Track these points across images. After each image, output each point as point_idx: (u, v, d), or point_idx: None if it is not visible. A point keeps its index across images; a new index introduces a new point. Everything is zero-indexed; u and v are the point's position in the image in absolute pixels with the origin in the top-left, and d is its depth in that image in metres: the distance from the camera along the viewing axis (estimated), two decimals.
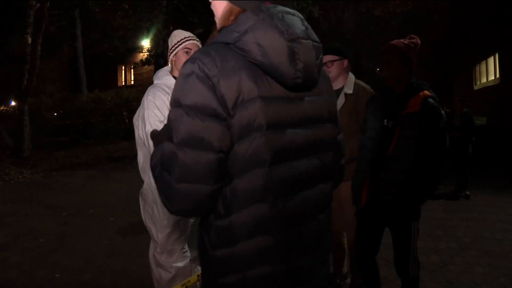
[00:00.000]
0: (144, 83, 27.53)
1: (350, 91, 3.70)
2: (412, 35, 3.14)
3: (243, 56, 1.38)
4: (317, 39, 1.53)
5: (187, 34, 3.31)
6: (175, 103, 1.39)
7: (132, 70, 32.59)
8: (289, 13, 1.48)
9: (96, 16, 19.31)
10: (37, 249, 5.87)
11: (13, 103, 22.80)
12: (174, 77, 3.28)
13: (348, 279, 4.29)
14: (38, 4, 14.76)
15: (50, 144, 18.48)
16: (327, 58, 3.74)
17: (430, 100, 2.99)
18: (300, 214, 1.49)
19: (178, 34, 3.33)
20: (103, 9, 18.74)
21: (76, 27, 21.09)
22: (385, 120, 3.10)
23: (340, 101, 3.68)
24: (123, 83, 34.88)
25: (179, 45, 3.26)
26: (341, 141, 1.79)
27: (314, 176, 1.55)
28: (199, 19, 17.85)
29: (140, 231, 6.24)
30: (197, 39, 3.30)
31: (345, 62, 3.78)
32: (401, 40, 3.13)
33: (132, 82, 33.97)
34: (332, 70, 3.73)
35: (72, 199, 8.96)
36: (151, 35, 19.77)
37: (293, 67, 1.40)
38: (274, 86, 1.41)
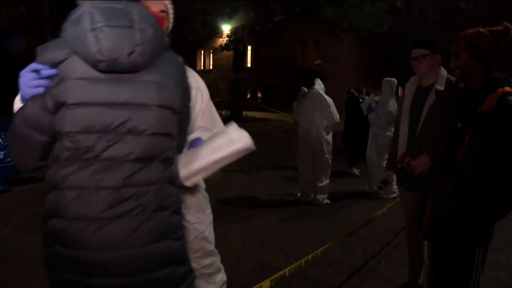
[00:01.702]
0: (223, 68, 27.75)
1: (441, 88, 3.43)
2: (506, 23, 2.55)
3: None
4: (146, 27, 1.58)
5: None
6: None
7: (211, 55, 32.98)
8: (112, 5, 1.59)
9: (176, 0, 19.51)
10: None
11: None
12: None
13: None
14: None
15: None
16: (417, 52, 3.47)
17: (510, 97, 2.43)
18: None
19: None
20: None
21: None
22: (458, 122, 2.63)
23: (430, 98, 3.42)
24: (202, 68, 35.41)
25: None
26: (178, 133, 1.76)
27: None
28: (280, 5, 17.68)
29: (214, 220, 6.16)
30: None
31: (437, 56, 3.49)
32: (479, 28, 2.60)
33: (211, 67, 34.39)
34: (423, 65, 3.46)
35: None
36: (230, 21, 19.81)
37: (95, 52, 1.51)
38: (89, 70, 1.55)
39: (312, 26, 22.52)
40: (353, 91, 10.07)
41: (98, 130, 1.57)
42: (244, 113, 22.47)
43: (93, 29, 1.52)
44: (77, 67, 1.55)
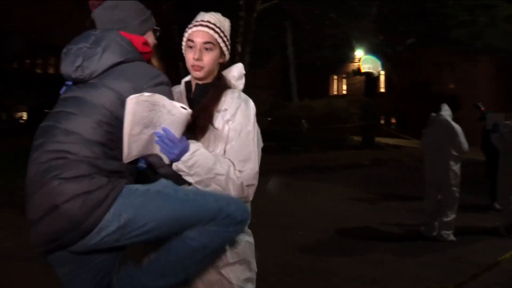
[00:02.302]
0: (356, 93, 27.40)
1: None
2: None
3: None
4: (95, 47, 1.91)
5: (200, 17, 2.22)
6: None
7: (344, 80, 32.77)
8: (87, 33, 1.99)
9: (305, 26, 19.75)
10: None
11: None
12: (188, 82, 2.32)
13: None
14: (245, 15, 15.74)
15: None
16: None
17: None
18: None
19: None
20: (312, 19, 19.05)
21: (286, 36, 21.80)
22: None
23: None
24: (335, 93, 35.26)
25: (184, 37, 2.24)
26: None
27: None
28: (409, 28, 17.07)
29: (327, 251, 5.98)
30: (208, 22, 2.17)
31: None
32: None
33: (344, 92, 34.11)
34: None
35: (266, 205, 9.06)
36: (360, 45, 19.52)
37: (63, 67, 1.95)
38: None
39: (445, 48, 21.37)
40: (480, 104, 9.10)
41: None
42: (376, 139, 21.90)
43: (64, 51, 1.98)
44: None
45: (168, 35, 16.68)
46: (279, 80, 30.77)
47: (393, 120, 32.99)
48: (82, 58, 1.89)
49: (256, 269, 2.32)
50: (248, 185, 2.06)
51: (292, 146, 19.67)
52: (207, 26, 2.14)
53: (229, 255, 2.14)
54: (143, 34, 2.07)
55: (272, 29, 21.68)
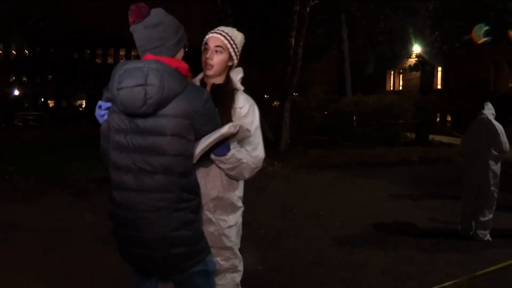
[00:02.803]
0: (412, 90, 26.92)
1: None
2: None
3: None
4: (154, 82, 2.13)
5: (218, 28, 2.75)
6: None
7: (401, 75, 32.25)
8: (134, 68, 2.18)
9: (360, 22, 19.61)
10: (251, 239, 5.78)
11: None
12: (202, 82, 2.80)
13: None
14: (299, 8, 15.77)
15: (310, 142, 19.32)
16: None
17: None
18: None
19: None
20: (366, 14, 18.88)
21: (342, 31, 21.70)
22: None
23: None
24: (392, 88, 34.76)
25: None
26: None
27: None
28: (466, 24, 16.62)
29: (361, 244, 6.11)
30: (222, 31, 2.69)
31: None
32: None
33: (401, 88, 33.58)
34: None
35: (308, 198, 9.25)
36: (416, 40, 19.17)
37: (118, 105, 2.23)
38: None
39: (505, 45, 20.63)
40: None
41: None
42: (431, 136, 21.47)
43: (117, 89, 2.19)
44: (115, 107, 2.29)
45: None
46: (335, 75, 30.72)
47: (449, 118, 32.20)
48: (143, 95, 2.16)
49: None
50: (256, 167, 2.61)
51: (343, 141, 19.68)
52: (220, 33, 2.66)
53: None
54: (177, 52, 2.35)
55: (328, 24, 21.64)
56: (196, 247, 2.34)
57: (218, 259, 2.71)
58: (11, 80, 53.89)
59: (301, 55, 16.30)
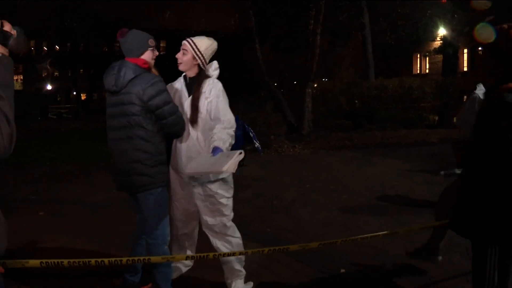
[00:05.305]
0: (438, 72, 27.01)
1: None
2: None
3: None
4: (121, 73, 3.49)
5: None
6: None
7: (427, 58, 32.27)
8: (113, 65, 3.60)
9: (380, 6, 19.90)
10: (264, 208, 7.07)
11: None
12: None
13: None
14: None
15: (333, 126, 19.99)
16: None
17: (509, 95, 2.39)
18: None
19: None
20: None
21: (363, 16, 21.99)
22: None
23: None
24: (418, 71, 34.82)
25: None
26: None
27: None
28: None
29: (363, 212, 6.74)
30: (190, 39, 3.83)
31: None
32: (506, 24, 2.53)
33: (427, 71, 33.61)
34: None
35: (322, 175, 9.92)
36: (439, 23, 19.41)
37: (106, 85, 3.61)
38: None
39: None
40: None
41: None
42: (455, 118, 21.56)
43: (104, 77, 3.60)
44: None
45: (246, 20, 17.79)
46: (361, 59, 31.01)
47: None
48: (114, 80, 3.50)
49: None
50: (232, 128, 3.69)
51: (367, 124, 20.15)
52: (187, 41, 3.80)
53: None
54: (142, 53, 3.59)
55: (349, 10, 21.97)
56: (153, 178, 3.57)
57: (214, 227, 3.86)
58: (43, 75, 55.84)
59: (319, 42, 16.96)
